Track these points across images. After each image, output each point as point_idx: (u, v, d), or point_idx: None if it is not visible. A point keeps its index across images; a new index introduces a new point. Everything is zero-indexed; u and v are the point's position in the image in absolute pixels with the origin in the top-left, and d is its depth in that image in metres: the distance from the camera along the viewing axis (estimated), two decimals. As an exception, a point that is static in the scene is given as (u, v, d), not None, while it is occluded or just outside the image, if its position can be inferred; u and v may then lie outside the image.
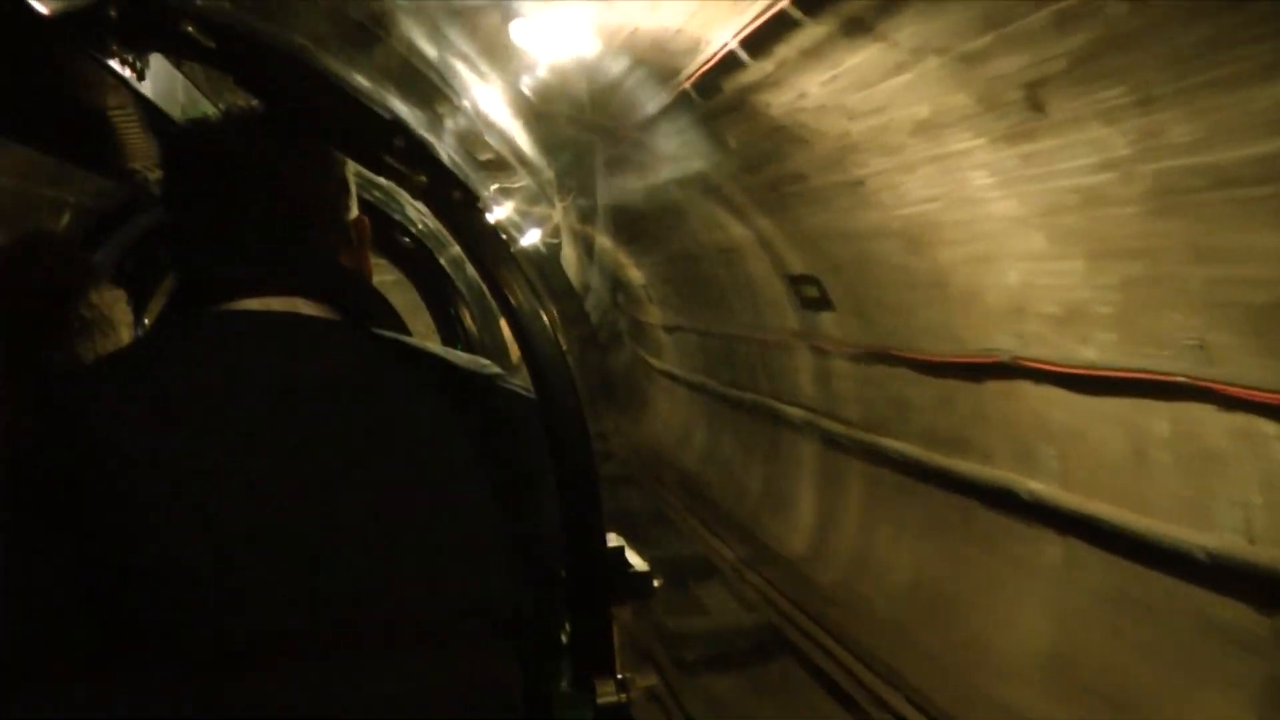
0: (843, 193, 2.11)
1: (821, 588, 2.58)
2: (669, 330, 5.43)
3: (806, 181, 2.20)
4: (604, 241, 5.68)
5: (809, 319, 2.83)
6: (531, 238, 6.91)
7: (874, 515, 2.51)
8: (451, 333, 5.28)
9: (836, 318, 2.61)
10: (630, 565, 0.94)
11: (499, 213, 5.84)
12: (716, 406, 4.29)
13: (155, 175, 1.77)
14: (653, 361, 6.18)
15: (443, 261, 5.47)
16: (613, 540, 0.93)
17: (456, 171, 0.96)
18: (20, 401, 1.20)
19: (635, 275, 5.81)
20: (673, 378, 5.40)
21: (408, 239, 4.68)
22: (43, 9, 0.85)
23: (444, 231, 5.61)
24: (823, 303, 2.70)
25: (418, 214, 4.85)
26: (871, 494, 2.55)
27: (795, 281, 2.84)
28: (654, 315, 5.81)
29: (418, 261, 5.11)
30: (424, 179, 0.93)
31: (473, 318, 5.65)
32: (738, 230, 3.06)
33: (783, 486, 3.19)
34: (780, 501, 3.12)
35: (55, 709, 0.73)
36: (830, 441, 2.78)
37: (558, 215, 5.52)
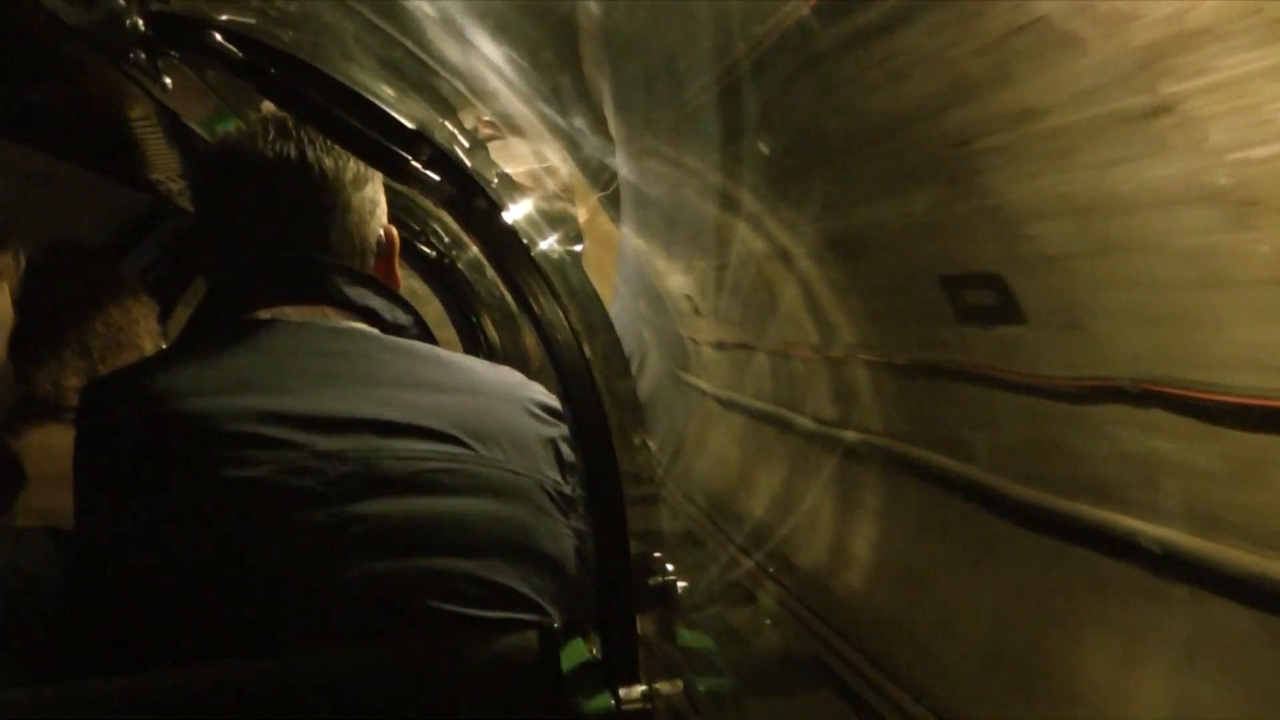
0: (1112, 134, 1.36)
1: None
2: (722, 348, 4.71)
3: (1040, 121, 1.45)
4: (636, 244, 5.02)
5: (973, 338, 2.08)
6: (549, 242, 6.38)
7: (1090, 625, 1.74)
8: (473, 339, 4.88)
9: (1025, 334, 1.86)
10: (655, 572, 1.06)
11: (516, 212, 5.29)
12: (796, 445, 3.51)
13: (178, 185, 1.80)
14: (696, 383, 5.47)
15: (461, 266, 5.09)
16: (637, 547, 1.02)
17: (480, 179, 1.08)
18: (48, 411, 1.21)
19: (676, 283, 5.11)
20: (726, 404, 4.69)
21: (429, 248, 4.59)
22: (68, 19, 0.90)
23: (462, 236, 5.20)
24: (1002, 313, 1.95)
25: (440, 223, 4.58)
26: (1080, 590, 1.79)
27: (956, 284, 2.09)
28: (700, 330, 5.09)
29: (439, 269, 4.87)
30: (448, 187, 1.06)
31: (494, 324, 5.18)
32: (865, 213, 2.31)
33: (909, 556, 2.42)
34: (910, 578, 2.35)
35: (99, 687, 0.73)
36: (1000, 508, 2.02)
37: (583, 214, 4.87)
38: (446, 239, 4.92)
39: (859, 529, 2.68)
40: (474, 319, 5.04)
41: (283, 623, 0.81)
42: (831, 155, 2.04)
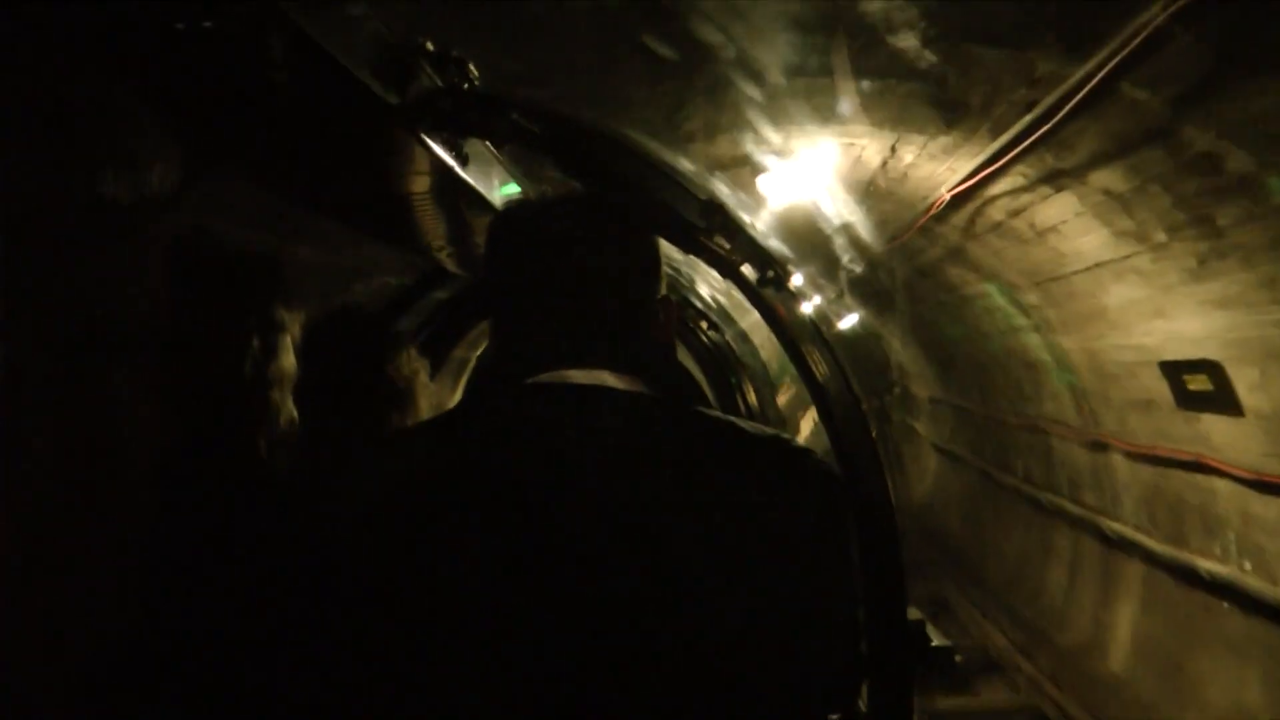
0: None
1: None
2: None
3: None
4: (1080, 244, 3.35)
5: None
6: (850, 320, 6.60)
7: None
8: (731, 403, 5.06)
9: None
10: (930, 639, 0.98)
11: (797, 279, 5.38)
12: None
13: (446, 253, 1.87)
14: (1098, 521, 3.61)
15: (722, 330, 5.31)
16: (913, 614, 0.97)
17: (767, 251, 1.06)
18: (325, 467, 1.20)
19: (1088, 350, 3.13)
20: (1228, 593, 2.96)
21: (698, 316, 4.74)
22: (390, 101, 0.96)
23: (722, 301, 5.36)
24: None
25: (709, 289, 4.81)
26: None
27: None
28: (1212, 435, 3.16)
29: (698, 333, 5.12)
30: (738, 257, 1.05)
31: (754, 389, 5.33)
32: None
33: None
34: None
35: None
36: None
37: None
38: (711, 303, 5.12)
39: None
40: (732, 380, 5.22)
41: (549, 702, 0.79)
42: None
